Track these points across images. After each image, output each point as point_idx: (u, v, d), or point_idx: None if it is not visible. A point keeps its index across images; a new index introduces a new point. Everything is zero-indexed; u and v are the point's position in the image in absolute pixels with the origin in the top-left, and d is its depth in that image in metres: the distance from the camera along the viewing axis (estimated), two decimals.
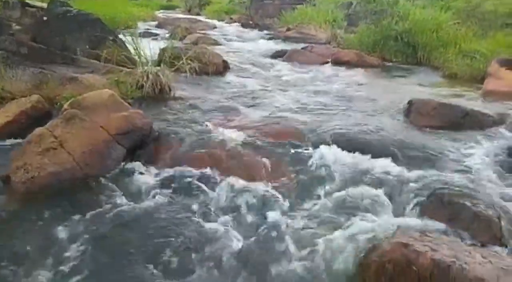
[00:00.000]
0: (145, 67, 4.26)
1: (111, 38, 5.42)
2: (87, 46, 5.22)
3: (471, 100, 4.46)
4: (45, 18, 5.66)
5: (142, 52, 4.84)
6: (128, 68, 4.70)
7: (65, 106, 2.69)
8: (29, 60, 3.96)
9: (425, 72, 6.44)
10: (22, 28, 6.02)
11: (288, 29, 10.84)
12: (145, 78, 4.08)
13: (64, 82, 3.82)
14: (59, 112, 3.12)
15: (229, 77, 5.37)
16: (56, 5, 10.59)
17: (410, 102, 3.69)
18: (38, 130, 2.35)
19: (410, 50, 7.17)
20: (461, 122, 3.49)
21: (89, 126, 2.47)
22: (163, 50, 5.78)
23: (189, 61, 5.11)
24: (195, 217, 2.11)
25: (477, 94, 4.81)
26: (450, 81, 5.72)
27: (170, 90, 4.19)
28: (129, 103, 3.55)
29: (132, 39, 4.93)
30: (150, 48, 4.73)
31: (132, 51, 4.95)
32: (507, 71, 4.71)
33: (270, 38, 10.36)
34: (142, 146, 2.71)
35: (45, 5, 9.93)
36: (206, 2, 20.58)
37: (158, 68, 4.21)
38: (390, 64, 7.07)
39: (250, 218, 2.16)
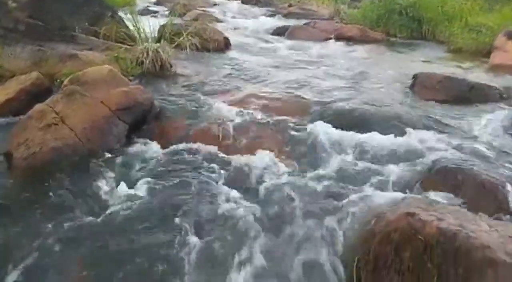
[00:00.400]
0: (145, 44, 4.18)
1: (109, 14, 5.32)
2: (86, 24, 5.13)
3: (477, 74, 4.39)
4: None
5: (141, 29, 4.77)
6: (128, 45, 4.65)
7: (65, 82, 2.65)
8: (27, 37, 3.89)
9: (430, 47, 6.32)
10: (18, 6, 5.92)
11: (290, 5, 10.64)
12: (145, 55, 4.01)
13: (64, 59, 3.77)
14: (59, 89, 3.12)
15: (231, 54, 5.29)
16: None
17: (415, 76, 3.64)
18: (39, 106, 2.32)
19: (415, 24, 7.02)
20: (467, 96, 3.44)
21: (89, 102, 2.44)
22: (163, 27, 5.67)
23: (189, 37, 5.03)
24: (203, 192, 2.09)
25: (483, 68, 4.73)
26: (455, 55, 5.62)
27: (171, 66, 4.12)
28: (129, 79, 3.54)
29: (132, 16, 4.83)
30: (150, 25, 4.62)
31: (132, 27, 4.87)
32: None
33: (271, 15, 10.17)
34: (144, 121, 2.68)
35: None
36: None
37: (158, 44, 4.12)
38: (395, 39, 6.95)
39: (256, 190, 2.14)
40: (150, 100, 2.74)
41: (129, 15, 4.98)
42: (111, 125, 2.41)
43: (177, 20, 8.23)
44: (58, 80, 3.25)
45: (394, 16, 7.05)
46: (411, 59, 5.30)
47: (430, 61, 5.22)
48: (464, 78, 3.55)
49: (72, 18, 5.14)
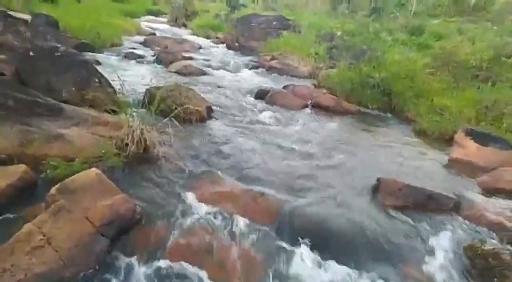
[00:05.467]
0: (130, 123, 4.34)
1: (96, 80, 5.51)
2: (73, 88, 5.29)
3: (437, 170, 4.82)
4: (31, 53, 5.67)
5: (125, 93, 4.99)
6: (113, 111, 4.86)
7: (53, 192, 2.79)
8: (15, 113, 4.01)
9: (398, 124, 6.80)
10: (6, 59, 6.03)
11: (273, 58, 11.10)
12: (130, 137, 4.20)
13: (50, 140, 3.90)
14: (46, 183, 3.26)
15: (212, 125, 5.54)
16: (40, 18, 10.48)
17: (379, 180, 3.97)
18: (26, 227, 2.46)
19: (386, 98, 7.54)
20: (425, 203, 3.80)
21: (75, 218, 2.60)
22: (148, 92, 5.93)
23: (173, 106, 5.29)
24: None
25: (443, 161, 5.16)
26: (420, 139, 6.08)
27: (154, 148, 4.33)
28: (112, 167, 3.72)
29: (120, 85, 5.04)
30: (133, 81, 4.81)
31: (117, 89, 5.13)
32: (470, 142, 5.07)
33: (254, 67, 10.59)
34: (126, 231, 2.85)
35: (28, 17, 9.84)
36: (192, 13, 20.63)
37: (142, 127, 4.30)
38: (367, 111, 7.41)
39: None
40: (132, 209, 2.92)
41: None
42: (94, 243, 2.57)
43: (162, 73, 8.55)
44: (45, 173, 3.38)
45: (367, 90, 7.54)
46: (379, 142, 5.69)
47: (396, 145, 5.63)
48: (422, 187, 3.91)
49: (59, 80, 5.32)
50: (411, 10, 20.72)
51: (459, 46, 9.25)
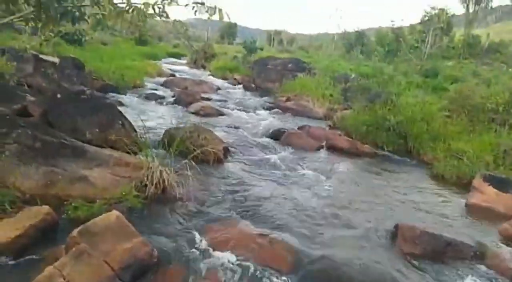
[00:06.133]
0: (150, 165, 4.48)
1: (120, 122, 5.74)
2: (97, 129, 5.52)
3: (455, 216, 4.73)
4: (58, 96, 6.00)
5: (146, 136, 5.16)
6: (134, 152, 5.00)
7: (74, 234, 2.87)
8: (41, 155, 4.19)
9: (414, 168, 6.77)
10: (36, 101, 6.36)
11: (288, 99, 11.36)
12: (149, 178, 4.32)
13: (73, 181, 4.05)
14: (66, 224, 3.36)
15: (229, 167, 5.64)
16: (67, 60, 11.06)
17: (396, 227, 3.93)
18: (47, 270, 2.52)
19: (402, 141, 7.55)
20: (444, 251, 3.71)
21: (95, 262, 2.65)
22: (168, 133, 6.12)
23: (192, 147, 5.42)
24: None
25: (461, 206, 5.08)
26: (437, 183, 6.02)
27: (172, 189, 4.42)
28: (131, 208, 3.81)
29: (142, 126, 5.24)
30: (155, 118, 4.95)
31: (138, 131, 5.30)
32: (489, 187, 5.01)
33: (270, 107, 10.82)
34: (141, 275, 2.87)
35: (56, 60, 10.44)
36: (211, 55, 21.49)
37: (161, 168, 4.43)
38: (382, 153, 7.41)
39: None
40: (149, 253, 2.97)
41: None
42: None
43: (180, 113, 8.82)
44: (67, 214, 3.48)
45: (382, 132, 7.59)
46: (396, 186, 5.66)
47: (414, 189, 5.58)
48: (441, 234, 3.84)
49: (84, 122, 5.55)
50: (425, 52, 21.09)
51: (474, 89, 9.31)
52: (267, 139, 7.43)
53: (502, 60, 23.28)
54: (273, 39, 41.99)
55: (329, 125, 9.24)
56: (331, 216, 4.37)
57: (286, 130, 7.80)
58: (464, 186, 5.83)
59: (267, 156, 6.39)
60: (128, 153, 4.97)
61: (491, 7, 37.35)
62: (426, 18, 25.11)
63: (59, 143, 4.50)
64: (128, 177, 4.37)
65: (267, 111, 10.32)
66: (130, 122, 5.87)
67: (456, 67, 18.76)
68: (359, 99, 9.91)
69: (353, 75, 12.71)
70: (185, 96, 10.05)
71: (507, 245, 4.01)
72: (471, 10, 33.17)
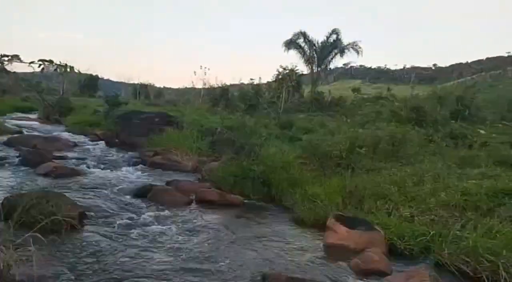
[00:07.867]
0: None
1: None
2: None
3: (315, 256, 5.10)
4: None
5: None
6: None
7: None
8: None
9: (278, 213, 7.16)
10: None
11: (156, 154, 11.04)
12: None
13: None
14: None
15: (85, 235, 5.02)
16: None
17: (264, 276, 4.01)
18: None
19: (266, 189, 8.00)
20: None
21: None
22: (7, 201, 5.21)
23: (38, 216, 4.69)
24: None
25: (320, 246, 5.52)
26: (298, 226, 6.46)
27: (9, 270, 3.66)
28: None
29: None
30: None
31: None
32: (340, 226, 5.59)
33: (136, 163, 10.33)
34: None
35: None
36: (68, 109, 19.73)
37: None
38: (250, 201, 7.68)
39: None
40: None
41: None
42: None
43: (26, 176, 7.69)
44: None
45: (248, 182, 7.94)
46: (261, 233, 5.83)
47: (277, 236, 5.82)
48: (303, 277, 4.06)
49: None
50: (280, 106, 23.56)
51: (321, 139, 10.66)
52: (132, 199, 6.96)
53: (342, 113, 27.59)
54: (139, 92, 41.35)
55: (199, 178, 9.24)
56: (196, 271, 4.21)
57: (153, 187, 7.47)
58: (321, 227, 6.35)
59: (130, 217, 5.93)
60: None
61: (330, 68, 44.64)
62: (280, 76, 28.43)
63: None
64: None
65: (133, 168, 9.79)
66: None
67: (307, 119, 21.38)
68: (226, 151, 10.26)
69: (219, 129, 13.21)
70: (33, 156, 8.85)
71: (360, 279, 4.46)
72: (315, 71, 38.88)
